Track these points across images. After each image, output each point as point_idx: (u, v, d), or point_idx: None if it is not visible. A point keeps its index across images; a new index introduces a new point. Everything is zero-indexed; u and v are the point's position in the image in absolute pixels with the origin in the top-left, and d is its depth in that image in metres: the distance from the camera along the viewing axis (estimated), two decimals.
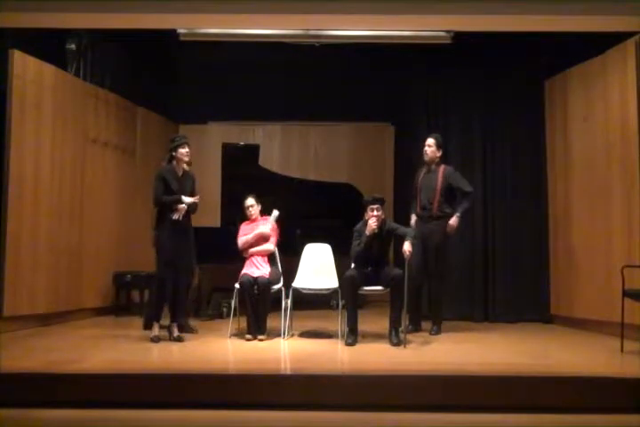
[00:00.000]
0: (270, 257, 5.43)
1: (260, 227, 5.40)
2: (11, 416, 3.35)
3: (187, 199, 4.92)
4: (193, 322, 5.61)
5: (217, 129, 8.47)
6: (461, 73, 6.71)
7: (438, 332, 5.42)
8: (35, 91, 5.60)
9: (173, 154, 4.99)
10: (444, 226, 5.44)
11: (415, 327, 5.49)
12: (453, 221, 5.44)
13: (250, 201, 5.45)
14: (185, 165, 5.09)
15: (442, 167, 5.57)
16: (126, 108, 7.19)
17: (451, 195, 5.55)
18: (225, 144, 7.18)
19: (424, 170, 5.66)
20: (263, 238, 5.40)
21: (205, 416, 3.42)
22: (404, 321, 4.97)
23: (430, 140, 5.56)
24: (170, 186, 4.93)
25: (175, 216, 4.89)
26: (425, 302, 5.74)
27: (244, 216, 5.52)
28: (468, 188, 5.53)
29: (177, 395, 3.53)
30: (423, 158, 5.63)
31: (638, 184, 5.12)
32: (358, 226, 5.14)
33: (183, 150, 5.00)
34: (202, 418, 3.41)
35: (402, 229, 5.10)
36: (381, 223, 5.03)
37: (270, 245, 5.40)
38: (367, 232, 4.99)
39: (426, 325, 5.55)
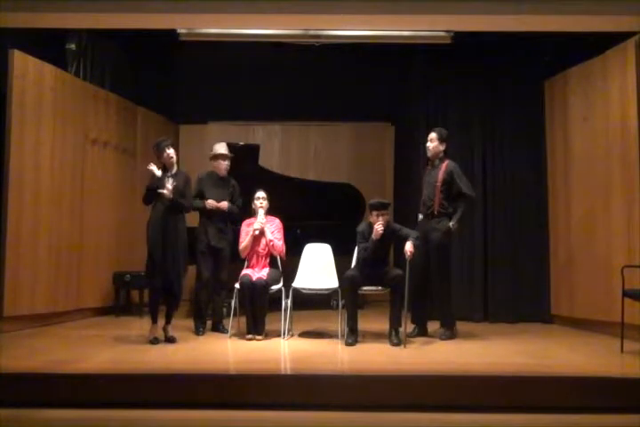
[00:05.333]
0: (271, 257, 5.41)
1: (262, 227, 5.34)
2: (11, 416, 3.35)
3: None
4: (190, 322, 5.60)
5: (217, 129, 8.47)
6: (461, 73, 6.69)
7: (451, 336, 5.16)
8: (35, 91, 5.61)
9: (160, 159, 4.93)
10: (446, 225, 5.20)
11: (421, 331, 5.31)
12: (452, 227, 5.20)
13: (261, 193, 5.41)
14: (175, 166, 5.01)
15: (445, 163, 5.29)
16: (126, 108, 7.19)
17: (452, 192, 5.27)
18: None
19: (428, 166, 5.46)
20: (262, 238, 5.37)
21: (205, 416, 3.42)
22: (405, 322, 4.96)
23: (432, 135, 5.31)
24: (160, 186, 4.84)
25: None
26: (429, 304, 5.52)
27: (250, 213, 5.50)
28: (467, 190, 5.26)
29: (177, 395, 3.53)
30: (427, 155, 5.43)
31: (638, 184, 5.13)
32: (361, 228, 5.12)
33: (170, 151, 4.93)
34: (202, 418, 3.41)
35: (404, 230, 5.09)
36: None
37: (280, 243, 5.35)
38: (374, 237, 4.95)
39: (430, 326, 5.44)
